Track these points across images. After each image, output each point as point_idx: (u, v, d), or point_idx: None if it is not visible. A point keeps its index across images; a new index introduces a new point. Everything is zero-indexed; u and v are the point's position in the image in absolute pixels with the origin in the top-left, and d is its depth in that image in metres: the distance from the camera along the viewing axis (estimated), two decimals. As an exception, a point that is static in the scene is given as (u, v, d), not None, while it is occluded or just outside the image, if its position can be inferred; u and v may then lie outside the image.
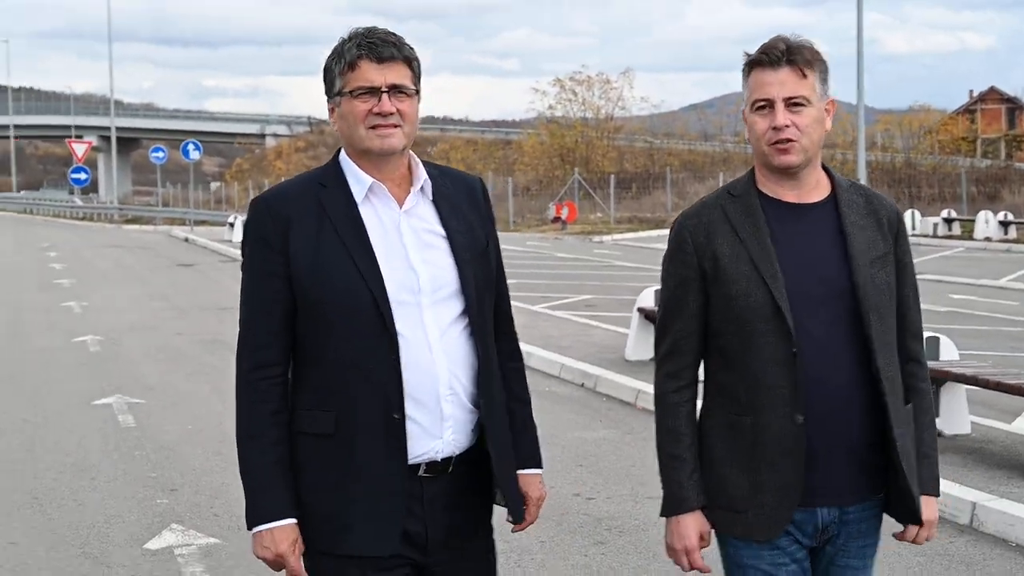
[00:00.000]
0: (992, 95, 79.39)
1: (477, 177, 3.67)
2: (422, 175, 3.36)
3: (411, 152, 3.37)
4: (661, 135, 75.59)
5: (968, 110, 77.46)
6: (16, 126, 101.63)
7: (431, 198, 3.37)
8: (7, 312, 21.92)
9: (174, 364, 15.61)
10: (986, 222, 38.40)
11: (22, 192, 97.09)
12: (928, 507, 3.35)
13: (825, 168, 3.45)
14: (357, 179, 3.32)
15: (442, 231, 3.34)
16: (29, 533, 8.23)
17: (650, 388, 11.39)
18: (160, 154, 67.35)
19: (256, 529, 3.27)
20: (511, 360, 3.58)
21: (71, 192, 75.86)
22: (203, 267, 32.25)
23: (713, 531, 3.48)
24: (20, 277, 29.29)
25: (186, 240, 44.36)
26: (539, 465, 3.58)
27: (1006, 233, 37.36)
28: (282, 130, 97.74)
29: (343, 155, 3.43)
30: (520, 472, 3.52)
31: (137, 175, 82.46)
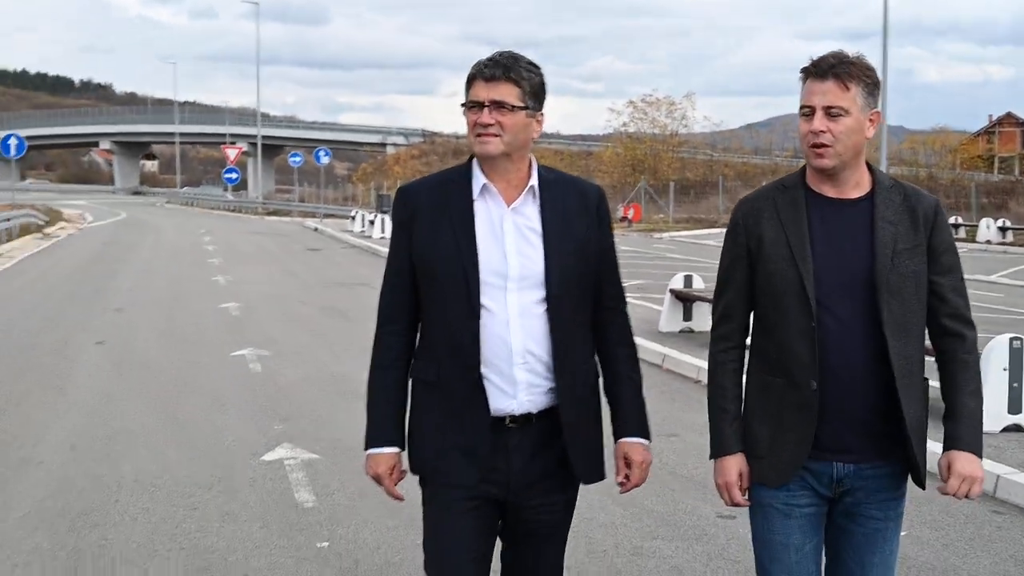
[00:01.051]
0: (1009, 119, 78.46)
1: (594, 185, 3.75)
2: (534, 180, 3.49)
3: (533, 158, 3.51)
4: (719, 149, 76.01)
5: (987, 132, 77.23)
6: (181, 134, 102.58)
7: (539, 199, 3.48)
8: (171, 282, 22.78)
9: (296, 325, 16.35)
10: (987, 227, 39.32)
11: (184, 188, 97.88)
12: (971, 464, 3.32)
13: (871, 168, 3.47)
14: (476, 179, 3.47)
15: (539, 228, 3.45)
16: (175, 447, 9.04)
17: (675, 353, 13.35)
18: (297, 159, 69.69)
19: (367, 452, 3.52)
20: (620, 345, 3.65)
21: (224, 189, 76.28)
22: (328, 252, 32.43)
23: None
24: (181, 255, 29.80)
25: (316, 230, 44.87)
26: (642, 436, 3.60)
27: (1004, 237, 38.45)
28: (400, 140, 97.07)
29: (473, 163, 3.56)
30: (624, 440, 3.56)
31: (278, 175, 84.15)
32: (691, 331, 14.70)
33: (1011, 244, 38.26)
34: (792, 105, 3.28)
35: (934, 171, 60.03)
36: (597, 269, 3.51)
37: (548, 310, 3.40)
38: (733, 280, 3.46)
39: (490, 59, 3.37)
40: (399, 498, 3.52)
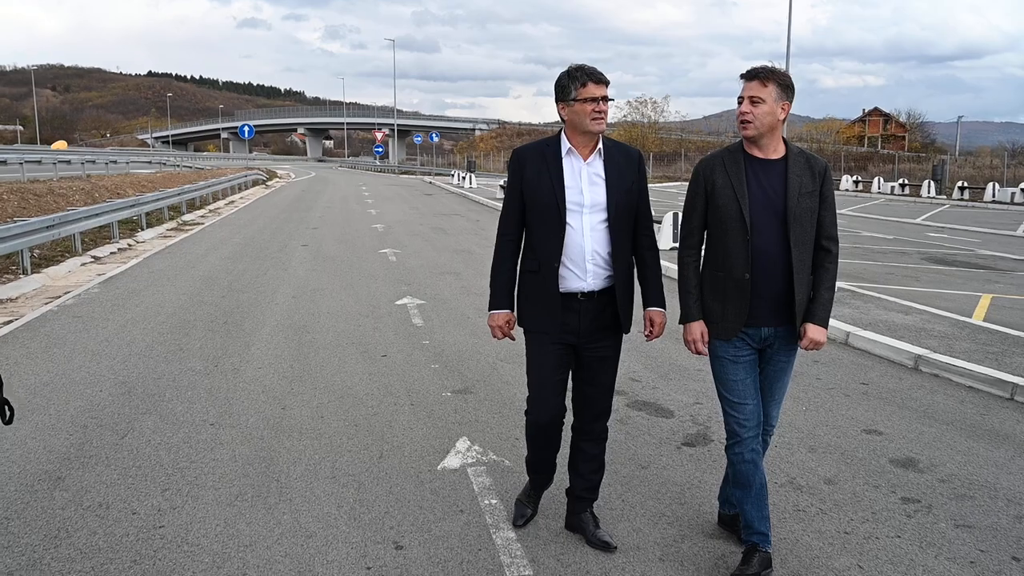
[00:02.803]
0: (875, 112, 75.78)
1: (636, 149, 3.56)
2: (600, 145, 3.37)
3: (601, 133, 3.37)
4: (686, 132, 75.29)
5: (860, 121, 74.85)
6: (347, 123, 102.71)
7: (603, 158, 3.37)
8: (343, 212, 22.20)
9: (416, 236, 16.21)
10: (879, 184, 37.48)
11: (349, 158, 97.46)
12: (818, 332, 3.28)
13: (785, 142, 3.32)
14: (564, 145, 3.36)
15: (603, 176, 3.34)
16: (348, 297, 9.47)
17: (667, 263, 9.90)
18: (419, 139, 69.83)
19: (489, 313, 3.49)
20: (649, 249, 3.50)
21: (374, 158, 75.21)
22: (436, 196, 31.34)
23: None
24: (348, 198, 28.93)
25: (430, 183, 43.57)
26: (661, 306, 3.48)
27: (892, 192, 36.15)
28: (483, 127, 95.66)
29: (563, 134, 3.41)
30: (650, 308, 3.47)
31: (407, 149, 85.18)
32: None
33: (862, 191, 37.49)
34: (733, 103, 3.28)
35: (822, 146, 58.98)
36: (637, 202, 3.43)
37: (608, 227, 3.34)
38: (695, 210, 3.38)
39: (591, 68, 3.29)
40: (512, 339, 3.52)
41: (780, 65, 4.15)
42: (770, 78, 3.16)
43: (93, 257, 12.77)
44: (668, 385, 6.06)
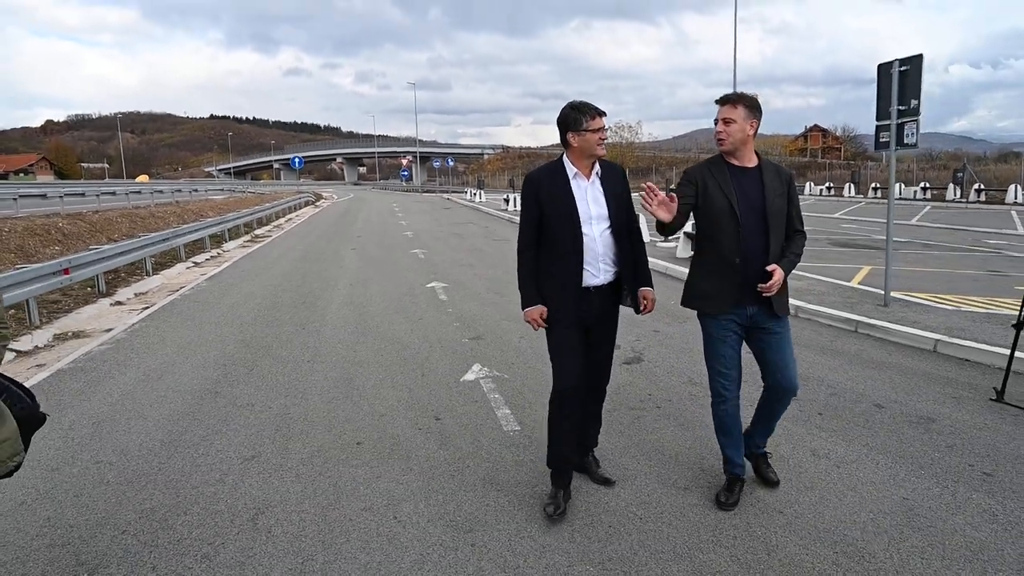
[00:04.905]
0: (815, 128, 76.13)
1: (621, 167, 3.49)
2: (597, 168, 3.29)
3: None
4: (659, 150, 75.20)
5: (803, 136, 75.22)
6: (378, 152, 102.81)
7: (600, 177, 3.30)
8: (380, 223, 22.76)
9: (439, 240, 16.86)
10: (810, 188, 37.85)
11: (380, 181, 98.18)
12: (779, 273, 3.18)
13: (757, 154, 3.25)
14: (569, 169, 3.26)
15: (603, 191, 3.28)
16: (389, 283, 10.34)
17: (679, 268, 10.71)
18: (437, 163, 69.61)
19: (525, 310, 3.32)
20: (638, 243, 3.45)
21: (401, 181, 75.75)
22: (454, 209, 31.64)
23: (697, 313, 3.40)
24: (383, 212, 29.55)
25: (448, 199, 43.21)
26: (650, 285, 3.41)
27: (820, 194, 36.70)
28: (490, 151, 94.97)
29: (565, 158, 3.29)
30: (643, 288, 3.40)
31: (429, 173, 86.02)
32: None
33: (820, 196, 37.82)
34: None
35: (769, 157, 59.87)
36: (627, 209, 3.37)
37: (612, 233, 3.29)
38: (683, 204, 3.26)
39: (591, 104, 3.23)
40: (545, 327, 3.33)
41: (734, 90, 4.26)
42: (739, 101, 3.15)
43: (194, 263, 14.02)
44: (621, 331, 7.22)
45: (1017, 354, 5.20)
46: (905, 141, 7.42)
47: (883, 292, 7.86)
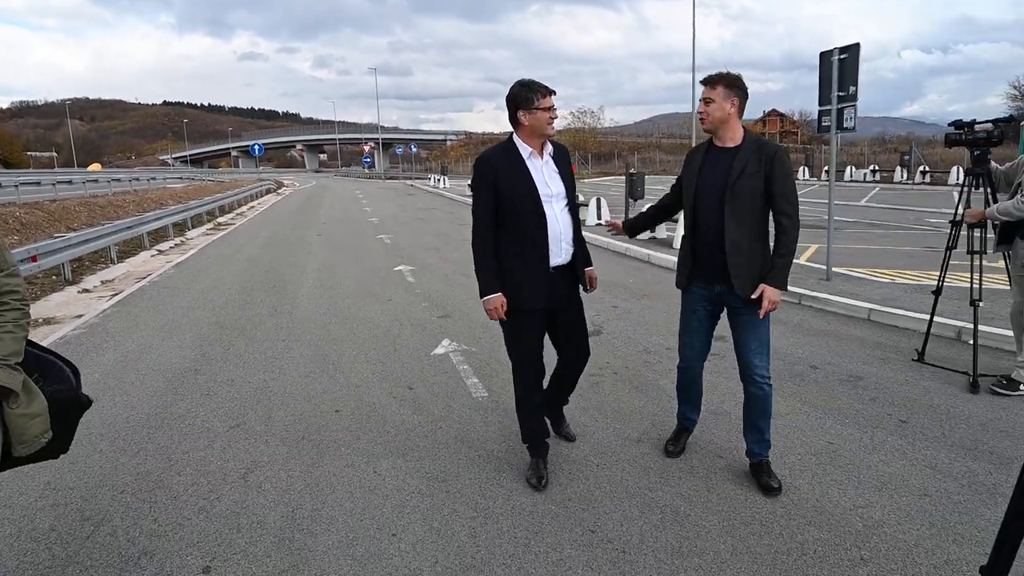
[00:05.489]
0: (774, 113, 76.73)
1: (563, 145, 3.44)
2: (549, 147, 3.28)
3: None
4: (621, 135, 75.65)
5: (761, 120, 75.60)
6: (339, 139, 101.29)
7: (552, 156, 3.30)
8: (344, 211, 22.58)
9: (403, 225, 17.09)
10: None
11: (342, 168, 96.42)
12: (773, 292, 3.11)
13: (747, 132, 3.19)
14: (523, 148, 3.21)
15: (556, 170, 3.28)
16: (354, 266, 10.65)
17: (639, 248, 11.28)
18: (400, 150, 69.31)
19: (484, 298, 3.23)
20: (578, 224, 3.40)
21: (364, 168, 74.71)
22: (418, 195, 31.73)
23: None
24: (346, 200, 29.34)
25: (411, 186, 43.10)
26: (591, 265, 3.47)
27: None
28: (452, 137, 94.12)
29: (515, 137, 3.22)
30: (588, 268, 3.44)
31: (391, 160, 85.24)
32: (655, 238, 12.35)
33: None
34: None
35: (751, 134, 60.50)
36: (573, 188, 3.37)
37: (569, 210, 3.30)
38: (677, 184, 3.44)
39: (543, 84, 3.18)
40: (504, 318, 3.26)
41: (691, 77, 4.00)
42: (718, 82, 3.14)
43: (158, 251, 14.00)
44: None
45: (936, 319, 5.75)
46: (844, 125, 7.93)
47: (825, 268, 8.39)
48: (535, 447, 3.50)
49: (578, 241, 3.35)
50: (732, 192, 3.07)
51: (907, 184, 30.19)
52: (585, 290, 3.45)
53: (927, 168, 31.36)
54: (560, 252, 3.24)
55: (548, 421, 3.72)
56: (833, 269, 8.40)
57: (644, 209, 3.69)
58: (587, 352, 3.58)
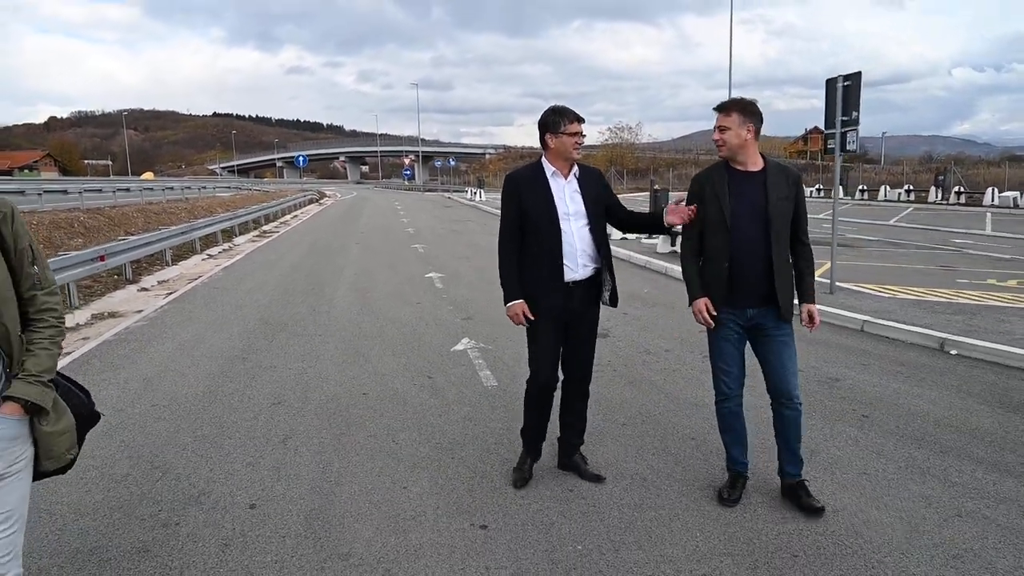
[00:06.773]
0: (816, 130, 75.83)
1: (596, 168, 3.52)
2: (576, 168, 3.35)
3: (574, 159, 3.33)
4: (659, 151, 75.70)
5: (803, 138, 75.44)
6: (380, 151, 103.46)
7: (578, 178, 3.35)
8: (383, 221, 23.55)
9: (438, 235, 17.90)
10: (806, 188, 38.70)
11: (382, 180, 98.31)
12: (815, 309, 3.19)
13: (764, 156, 3.18)
14: (547, 169, 3.31)
15: (580, 191, 3.33)
16: (390, 271, 11.37)
17: (658, 261, 12.06)
18: (439, 163, 70.36)
19: (508, 304, 3.32)
20: (609, 240, 3.45)
21: (404, 180, 75.55)
22: (454, 208, 32.71)
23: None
24: (386, 210, 30.38)
25: (449, 198, 44.57)
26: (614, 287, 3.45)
27: (810, 196, 35.98)
28: (491, 151, 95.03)
29: (543, 159, 3.35)
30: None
31: (431, 172, 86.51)
32: (675, 252, 11.10)
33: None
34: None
35: (770, 158, 60.50)
36: (606, 208, 3.43)
37: (589, 229, 3.33)
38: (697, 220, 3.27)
39: (574, 110, 3.29)
40: (529, 321, 3.36)
41: (740, 94, 4.28)
42: (732, 108, 3.13)
43: (208, 255, 14.99)
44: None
45: (917, 329, 6.18)
46: (847, 147, 8.38)
47: (829, 282, 8.81)
48: (528, 443, 3.68)
49: (604, 258, 3.38)
50: (773, 215, 3.07)
51: (942, 204, 29.91)
52: (612, 305, 3.49)
53: (963, 188, 31.01)
54: (577, 268, 3.30)
55: (568, 465, 3.79)
56: (842, 284, 8.81)
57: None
58: (589, 370, 3.58)
